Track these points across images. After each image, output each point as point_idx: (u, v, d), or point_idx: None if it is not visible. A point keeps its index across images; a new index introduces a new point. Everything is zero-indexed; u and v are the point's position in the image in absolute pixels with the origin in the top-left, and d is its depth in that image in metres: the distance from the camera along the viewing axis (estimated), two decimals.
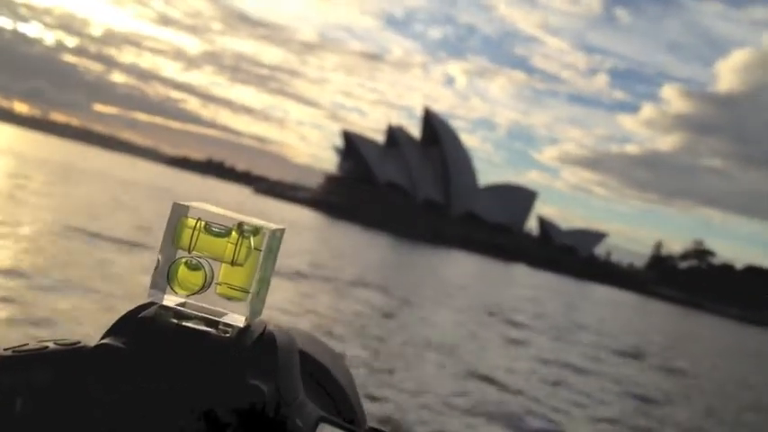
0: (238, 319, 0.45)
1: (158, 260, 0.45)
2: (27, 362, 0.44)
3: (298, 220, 44.43)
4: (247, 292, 0.45)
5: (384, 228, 78.23)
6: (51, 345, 0.45)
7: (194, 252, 0.45)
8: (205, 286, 0.45)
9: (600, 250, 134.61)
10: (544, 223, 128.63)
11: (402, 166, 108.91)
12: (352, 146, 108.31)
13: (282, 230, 0.47)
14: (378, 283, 17.30)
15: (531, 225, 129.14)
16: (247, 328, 0.46)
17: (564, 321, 20.97)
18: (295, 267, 15.96)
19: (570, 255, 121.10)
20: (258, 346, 0.45)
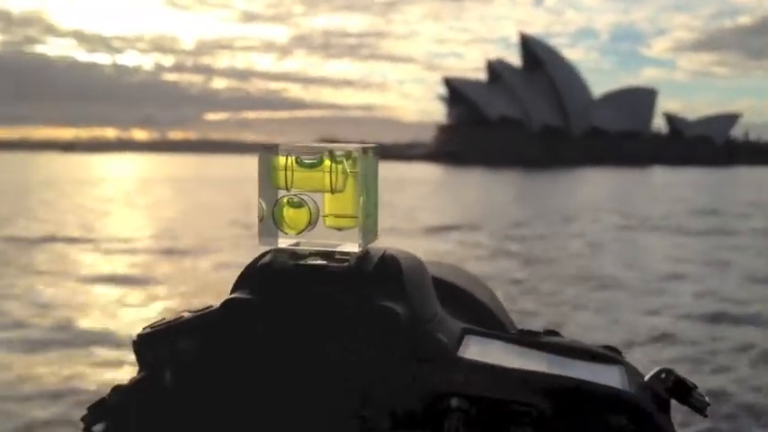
0: (353, 247, 0.45)
1: (260, 207, 0.45)
2: (165, 335, 0.45)
3: (415, 177, 43.97)
4: (356, 218, 0.44)
5: (505, 164, 76.69)
6: (186, 314, 0.46)
7: (293, 189, 0.45)
8: (312, 222, 0.45)
9: (736, 132, 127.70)
10: (671, 119, 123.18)
11: (511, 98, 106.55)
12: (456, 91, 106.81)
13: (377, 149, 0.46)
14: (519, 221, 16.40)
15: (658, 124, 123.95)
16: (366, 253, 0.45)
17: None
18: (427, 223, 15.37)
19: (706, 145, 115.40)
20: (381, 269, 0.44)
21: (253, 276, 0.45)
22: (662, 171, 73.14)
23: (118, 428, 0.44)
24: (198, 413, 0.44)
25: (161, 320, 0.47)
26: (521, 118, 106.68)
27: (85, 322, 6.47)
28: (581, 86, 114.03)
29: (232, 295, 0.45)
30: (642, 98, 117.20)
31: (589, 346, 0.46)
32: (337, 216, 0.45)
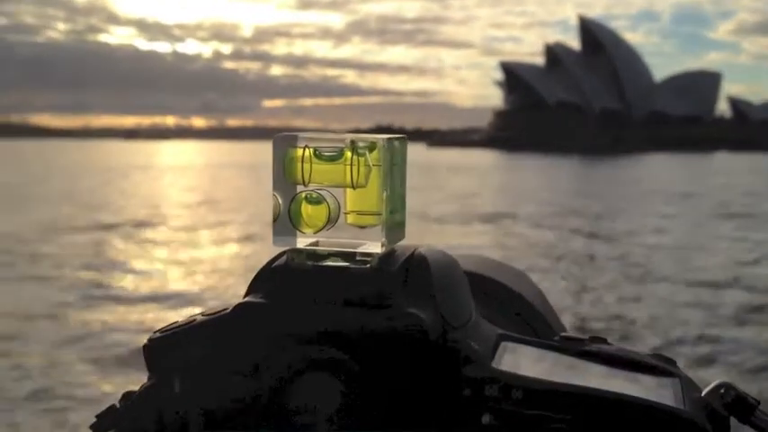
0: (376, 246, 0.41)
1: (275, 203, 0.42)
2: (175, 340, 0.43)
3: (471, 164, 43.34)
4: (380, 215, 0.41)
5: (563, 150, 75.47)
6: (199, 317, 0.44)
7: (311, 184, 0.41)
8: (332, 219, 0.41)
9: None
10: (735, 103, 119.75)
11: (569, 83, 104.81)
12: (514, 75, 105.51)
13: (404, 139, 0.42)
14: (576, 210, 15.94)
15: (722, 108, 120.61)
16: (391, 253, 0.42)
17: None
18: (481, 210, 15.04)
19: None
20: (406, 271, 0.41)
21: (267, 278, 0.42)
22: (726, 156, 71.08)
23: None
24: (207, 421, 0.41)
25: (173, 324, 0.44)
26: (579, 103, 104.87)
27: None
28: (642, 70, 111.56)
29: (245, 298, 0.42)
30: (705, 82, 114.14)
31: (639, 355, 0.42)
32: (359, 213, 0.41)
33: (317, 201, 0.41)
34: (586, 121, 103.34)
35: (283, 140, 0.42)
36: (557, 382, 0.39)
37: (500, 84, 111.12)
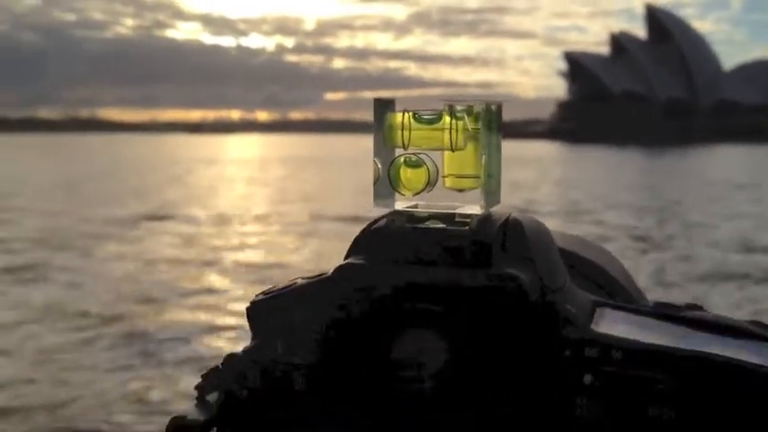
0: (474, 209, 0.42)
1: (375, 167, 0.42)
2: (278, 302, 0.43)
3: (532, 156, 42.81)
4: (478, 178, 0.41)
5: (629, 141, 74.14)
6: (299, 280, 0.44)
7: (410, 148, 0.41)
8: (431, 182, 0.42)
9: None
10: None
11: (635, 72, 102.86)
12: (577, 65, 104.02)
13: (500, 105, 0.42)
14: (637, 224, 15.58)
15: None
16: (488, 216, 0.42)
17: None
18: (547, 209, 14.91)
19: None
20: (503, 233, 0.41)
21: (367, 240, 0.42)
22: None
23: (231, 398, 0.44)
24: (309, 383, 0.42)
25: (274, 287, 0.45)
26: (644, 92, 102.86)
27: None
28: (710, 58, 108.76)
29: (346, 260, 0.42)
30: None
31: (738, 323, 0.41)
32: (458, 176, 0.42)
33: (416, 164, 0.42)
34: (651, 110, 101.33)
35: (382, 105, 0.42)
36: (657, 344, 0.39)
37: (563, 74, 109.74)
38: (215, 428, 0.43)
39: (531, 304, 0.39)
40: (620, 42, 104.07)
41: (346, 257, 0.43)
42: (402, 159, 0.42)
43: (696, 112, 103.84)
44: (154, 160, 40.11)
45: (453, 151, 0.41)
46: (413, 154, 0.42)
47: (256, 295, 0.45)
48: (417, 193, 0.42)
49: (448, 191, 0.42)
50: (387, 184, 0.42)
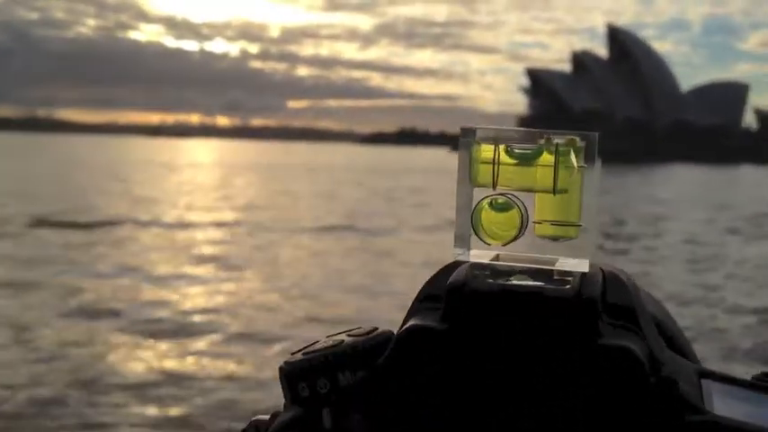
0: (576, 264, 0.35)
1: (457, 207, 0.36)
2: (324, 365, 0.36)
3: None
4: (580, 226, 0.35)
5: None
6: (345, 337, 0.38)
7: (499, 187, 0.36)
8: (521, 230, 0.36)
9: None
10: (763, 115, 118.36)
11: (595, 91, 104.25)
12: (539, 81, 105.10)
13: (596, 136, 0.36)
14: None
15: (749, 120, 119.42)
16: (588, 273, 0.36)
17: None
18: None
19: None
20: (608, 295, 0.35)
21: (441, 297, 0.36)
22: (752, 171, 70.23)
23: None
24: None
25: (313, 344, 0.39)
26: (604, 111, 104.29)
27: None
28: (669, 80, 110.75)
29: (413, 321, 0.35)
30: (733, 93, 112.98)
31: None
32: (555, 223, 0.35)
33: (504, 207, 0.36)
34: (610, 129, 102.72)
35: (470, 135, 0.36)
36: None
37: (525, 90, 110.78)
38: None
39: (648, 384, 0.33)
40: (581, 61, 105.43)
41: (411, 314, 0.37)
42: (488, 201, 0.36)
43: (654, 132, 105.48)
44: (100, 162, 39.42)
45: (555, 194, 0.35)
46: (501, 194, 0.36)
47: (292, 353, 0.39)
48: (507, 243, 0.36)
49: (534, 240, 0.36)
50: (468, 228, 0.36)
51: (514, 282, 0.35)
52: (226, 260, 8.88)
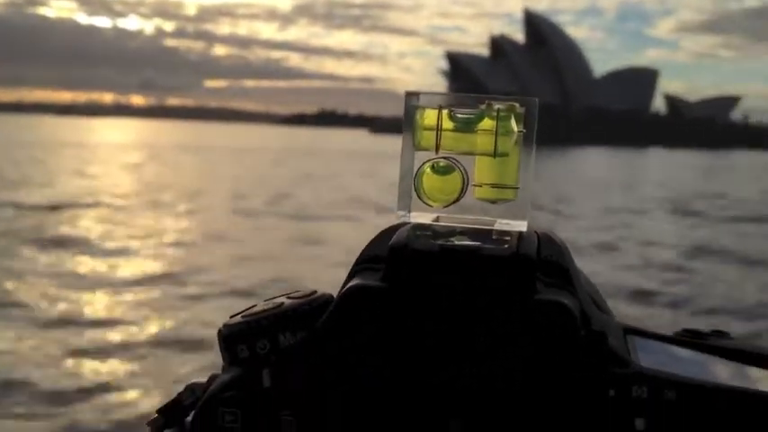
0: (514, 224, 0.37)
1: (401, 170, 0.37)
2: (265, 327, 0.37)
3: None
4: (517, 188, 0.36)
5: None
6: (285, 300, 0.38)
7: (441, 151, 0.36)
8: (461, 192, 0.37)
9: (736, 115, 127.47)
10: (671, 100, 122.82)
11: (512, 75, 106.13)
12: (458, 65, 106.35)
13: (536, 102, 0.38)
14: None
15: (658, 105, 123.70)
16: (525, 233, 0.37)
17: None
18: None
19: (705, 127, 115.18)
20: (543, 253, 0.37)
21: (382, 258, 0.36)
22: (659, 152, 72.98)
23: None
24: (301, 423, 0.36)
25: (252, 308, 0.39)
26: (521, 95, 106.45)
27: None
28: (583, 65, 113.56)
29: (355, 281, 0.36)
30: (643, 78, 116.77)
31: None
32: (494, 186, 0.37)
33: (445, 170, 0.37)
34: None
35: (413, 100, 0.37)
36: (711, 381, 0.35)
37: (445, 73, 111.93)
38: None
39: (578, 338, 0.34)
40: (499, 45, 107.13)
41: (352, 275, 0.37)
42: (429, 165, 0.37)
43: (568, 116, 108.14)
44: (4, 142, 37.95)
45: (495, 157, 0.36)
46: (443, 158, 0.37)
47: (231, 317, 0.39)
48: (448, 205, 0.37)
49: (474, 202, 0.37)
50: (411, 191, 0.37)
51: (454, 242, 0.36)
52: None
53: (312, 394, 0.36)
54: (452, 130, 0.36)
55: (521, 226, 0.37)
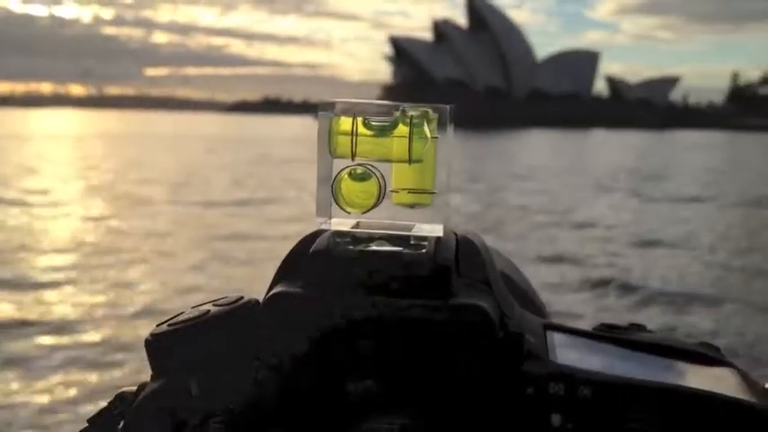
0: (431, 229, 0.38)
1: (318, 177, 0.38)
2: (188, 335, 0.38)
3: None
4: (434, 193, 0.38)
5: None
6: (211, 307, 0.39)
7: (358, 158, 0.37)
8: (379, 198, 0.38)
9: (676, 96, 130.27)
10: (612, 82, 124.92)
11: (456, 60, 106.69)
12: (402, 50, 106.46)
13: (453, 109, 0.39)
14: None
15: (600, 87, 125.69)
16: (443, 238, 0.38)
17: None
18: None
19: (646, 108, 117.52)
20: (461, 257, 0.38)
21: (305, 264, 0.37)
22: (601, 133, 74.35)
23: None
24: (230, 426, 0.36)
25: (178, 316, 0.39)
26: (465, 79, 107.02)
27: None
28: (525, 49, 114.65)
29: (278, 288, 0.37)
30: (584, 61, 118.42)
31: (686, 344, 0.40)
32: (412, 191, 0.38)
33: (362, 176, 0.38)
34: (472, 97, 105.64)
35: (329, 108, 0.37)
36: (625, 377, 0.36)
37: (389, 58, 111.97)
38: None
39: (495, 338, 0.36)
40: (441, 30, 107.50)
41: (276, 281, 0.38)
42: (347, 172, 0.38)
43: (512, 100, 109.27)
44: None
45: (410, 163, 0.37)
46: (359, 165, 0.38)
47: (157, 325, 0.39)
48: (366, 211, 0.38)
49: (391, 208, 0.38)
50: (329, 198, 0.38)
51: (374, 247, 0.37)
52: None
53: (240, 400, 0.36)
54: (368, 137, 0.37)
55: (437, 231, 0.37)
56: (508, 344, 0.36)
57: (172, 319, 0.39)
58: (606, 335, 0.41)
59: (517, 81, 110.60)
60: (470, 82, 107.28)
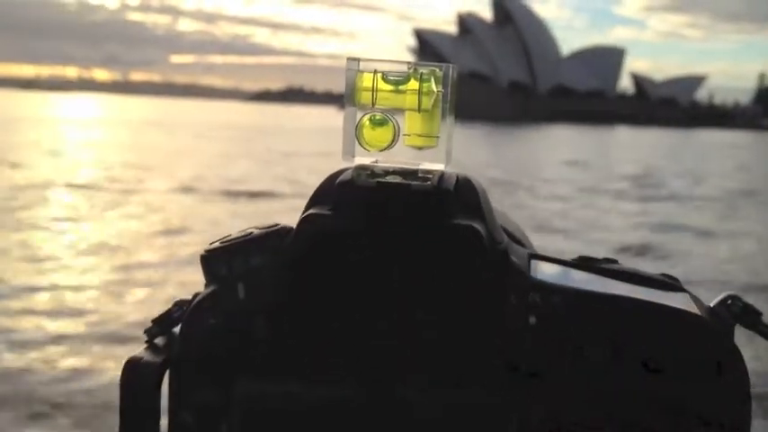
0: (436, 166, 0.45)
1: (344, 122, 0.45)
2: (237, 250, 0.46)
3: None
4: (438, 137, 0.45)
5: (474, 119, 76.78)
6: (254, 230, 0.47)
7: (376, 106, 0.45)
8: (394, 140, 0.45)
9: (701, 95, 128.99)
10: (637, 79, 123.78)
11: (480, 53, 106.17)
12: (426, 43, 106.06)
13: (455, 68, 0.45)
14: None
15: (625, 84, 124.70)
16: (445, 173, 0.46)
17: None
18: None
19: (670, 106, 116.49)
20: (461, 189, 0.45)
21: (332, 192, 0.45)
22: (625, 131, 73.75)
23: (189, 341, 0.45)
24: (270, 327, 0.45)
25: (227, 236, 0.47)
26: (489, 73, 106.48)
27: None
28: (550, 43, 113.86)
29: (311, 211, 0.45)
30: (610, 57, 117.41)
31: (651, 274, 0.48)
32: (420, 135, 0.45)
33: (381, 122, 0.45)
34: (496, 91, 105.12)
35: (353, 65, 0.45)
36: (591, 291, 0.45)
37: (413, 51, 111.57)
38: (168, 371, 0.45)
39: (486, 255, 0.43)
40: (466, 23, 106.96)
41: (307, 208, 0.46)
42: (368, 118, 0.45)
43: (536, 95, 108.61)
44: None
45: (419, 112, 0.44)
46: (378, 112, 0.45)
47: (210, 243, 0.47)
48: (382, 150, 0.45)
49: (406, 149, 0.45)
50: (353, 138, 0.45)
51: (388, 179, 0.45)
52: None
53: (278, 303, 0.44)
54: (385, 90, 0.44)
55: (440, 167, 0.45)
56: (496, 259, 0.44)
57: (223, 238, 0.47)
58: (582, 264, 0.49)
59: (541, 76, 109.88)
60: (494, 76, 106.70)
